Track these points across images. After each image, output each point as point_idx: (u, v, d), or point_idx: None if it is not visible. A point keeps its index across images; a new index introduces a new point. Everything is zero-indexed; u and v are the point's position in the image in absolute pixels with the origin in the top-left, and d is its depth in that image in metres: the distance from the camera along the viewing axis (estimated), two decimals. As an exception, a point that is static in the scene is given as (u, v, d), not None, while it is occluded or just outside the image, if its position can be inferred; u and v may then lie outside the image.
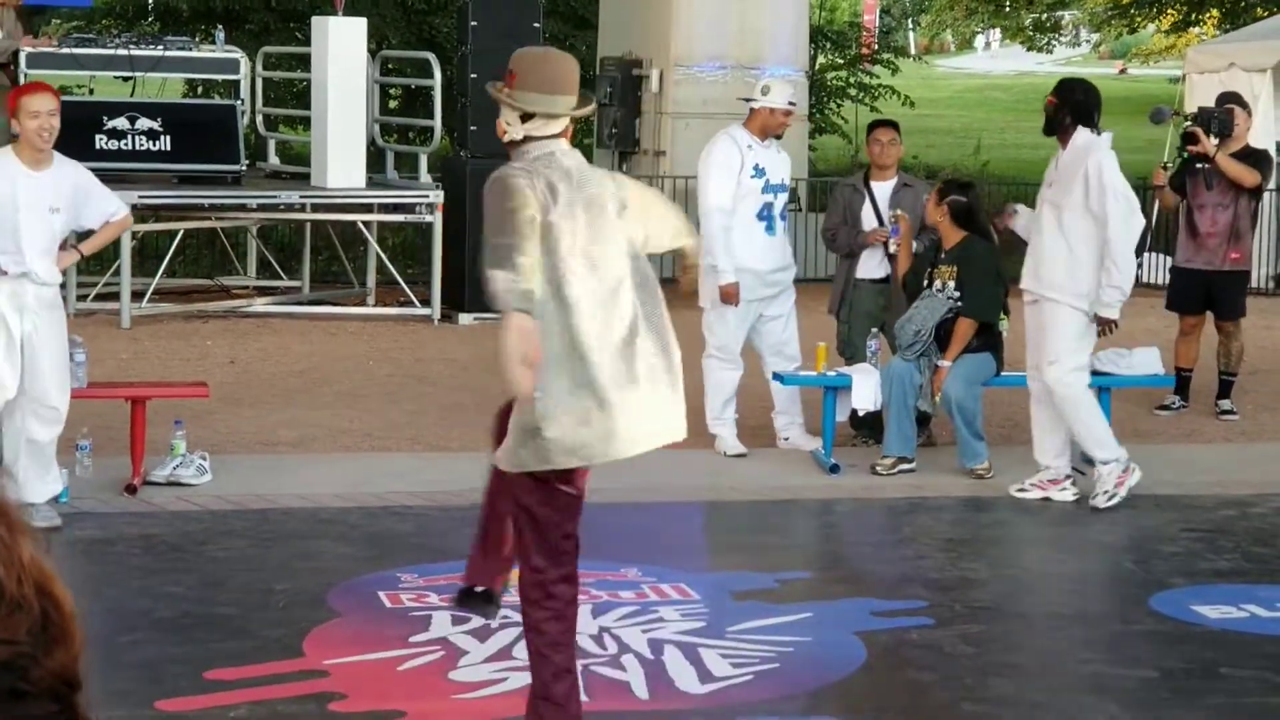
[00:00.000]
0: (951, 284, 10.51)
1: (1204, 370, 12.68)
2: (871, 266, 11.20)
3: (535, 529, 5.87)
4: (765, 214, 10.80)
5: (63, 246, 9.11)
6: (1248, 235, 12.60)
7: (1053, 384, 9.88)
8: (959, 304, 10.45)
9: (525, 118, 5.93)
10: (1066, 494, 10.01)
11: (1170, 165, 12.87)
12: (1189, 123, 12.62)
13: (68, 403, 8.99)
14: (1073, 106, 9.80)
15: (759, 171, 10.75)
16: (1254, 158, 12.54)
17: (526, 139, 5.94)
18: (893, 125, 11.65)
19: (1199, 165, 12.41)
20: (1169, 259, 14.79)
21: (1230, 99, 12.91)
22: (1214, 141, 12.33)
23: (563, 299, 5.74)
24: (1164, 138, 18.97)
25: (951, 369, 10.33)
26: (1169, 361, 11.88)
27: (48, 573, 1.71)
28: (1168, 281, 13.34)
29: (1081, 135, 9.77)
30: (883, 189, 11.28)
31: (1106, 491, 9.88)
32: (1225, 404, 12.57)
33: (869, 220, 11.19)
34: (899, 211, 10.96)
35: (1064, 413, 9.93)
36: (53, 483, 9.01)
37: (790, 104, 10.98)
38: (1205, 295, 12.55)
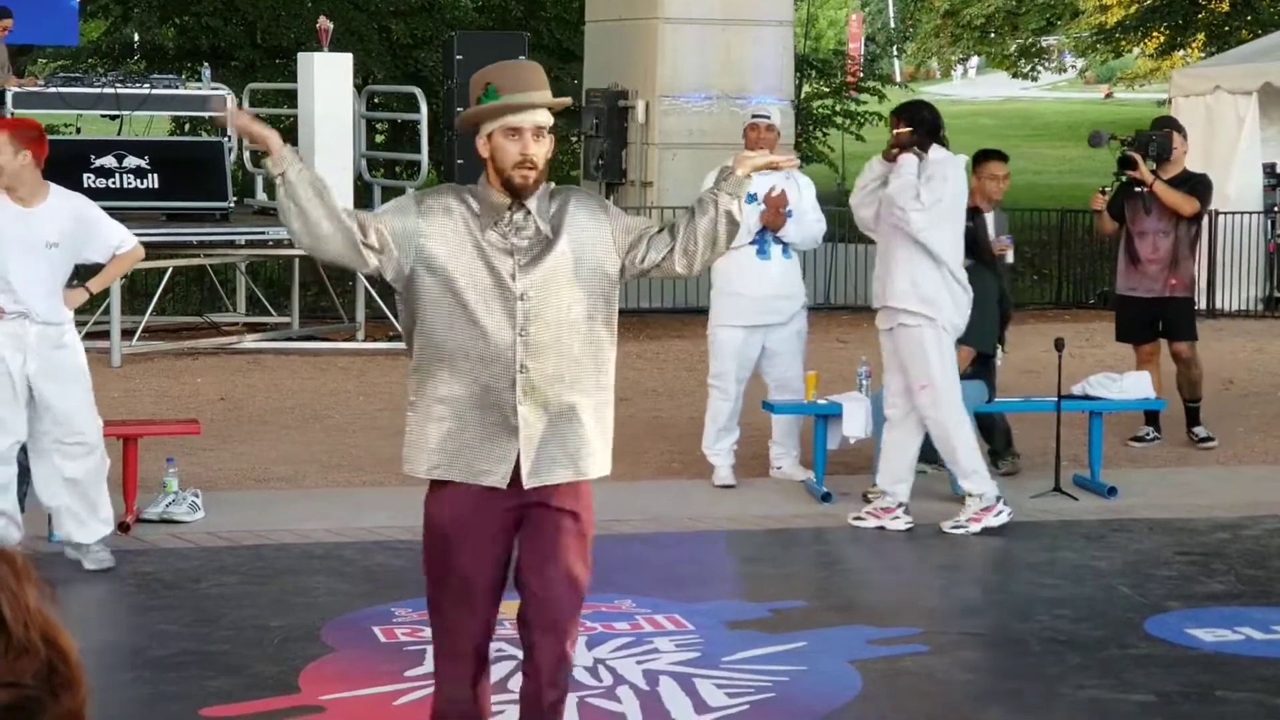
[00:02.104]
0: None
1: (1174, 401, 12.61)
2: None
3: None
4: (756, 239, 10.79)
5: (69, 284, 8.90)
6: (1188, 261, 12.28)
7: (924, 410, 9.67)
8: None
9: None
10: (899, 523, 9.78)
11: (1109, 190, 12.61)
12: (1125, 147, 12.29)
13: (96, 433, 8.76)
14: (925, 127, 9.55)
15: (749, 196, 10.74)
16: (1191, 183, 12.19)
17: None
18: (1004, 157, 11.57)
19: (1137, 190, 12.13)
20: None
21: (1167, 123, 12.63)
22: (1151, 167, 12.07)
23: None
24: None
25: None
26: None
27: (53, 622, 1.72)
28: (1115, 312, 12.89)
29: (937, 151, 9.55)
30: (987, 216, 11.24)
31: (959, 523, 9.74)
32: (1200, 431, 12.36)
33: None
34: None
35: (937, 440, 9.74)
36: (100, 524, 8.78)
37: (756, 116, 10.94)
38: (1151, 322, 12.28)
